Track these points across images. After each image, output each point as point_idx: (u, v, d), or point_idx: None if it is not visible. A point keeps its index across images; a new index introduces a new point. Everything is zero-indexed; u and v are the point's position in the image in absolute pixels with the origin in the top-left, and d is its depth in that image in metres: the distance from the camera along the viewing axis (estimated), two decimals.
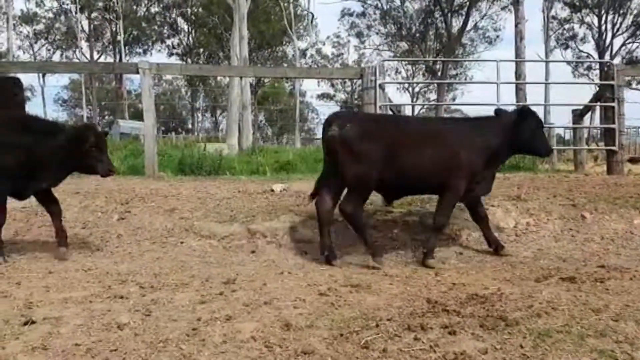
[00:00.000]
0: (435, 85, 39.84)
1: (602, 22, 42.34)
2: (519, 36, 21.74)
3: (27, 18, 45.92)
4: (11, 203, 6.07)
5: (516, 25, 22.03)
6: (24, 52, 46.79)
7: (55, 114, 56.54)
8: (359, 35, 44.75)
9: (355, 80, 38.23)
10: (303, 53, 41.77)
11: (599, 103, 10.22)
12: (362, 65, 44.09)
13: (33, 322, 3.42)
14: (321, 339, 3.25)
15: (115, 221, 5.79)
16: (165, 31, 47.73)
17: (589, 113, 17.13)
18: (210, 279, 4.32)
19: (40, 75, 42.63)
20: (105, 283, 4.17)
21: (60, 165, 4.82)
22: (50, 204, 5.06)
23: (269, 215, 5.81)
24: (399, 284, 4.26)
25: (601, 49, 42.05)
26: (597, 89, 10.92)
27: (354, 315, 3.58)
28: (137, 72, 7.94)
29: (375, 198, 5.72)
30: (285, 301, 3.83)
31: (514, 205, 6.09)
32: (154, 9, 46.63)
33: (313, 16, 39.50)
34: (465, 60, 39.86)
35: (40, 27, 46.90)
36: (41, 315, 3.53)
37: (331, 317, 3.55)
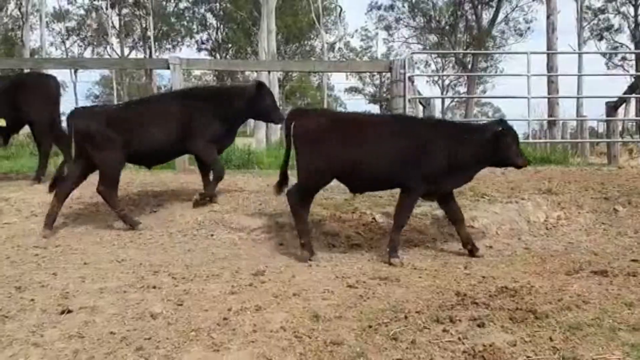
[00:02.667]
0: (465, 77, 39.38)
1: (639, 11, 41.23)
2: (551, 28, 21.31)
3: (59, 15, 46.72)
4: (45, 196, 6.27)
5: (548, 17, 21.60)
6: (56, 49, 47.67)
7: None
8: (387, 28, 44.49)
9: (383, 73, 38.09)
10: (331, 47, 41.67)
11: (634, 95, 9.98)
12: (391, 58, 43.97)
13: (70, 311, 3.53)
14: (350, 330, 3.29)
15: (147, 213, 5.90)
16: (194, 27, 48.08)
17: (624, 105, 16.76)
18: (240, 270, 4.38)
19: (72, 71, 43.39)
20: (139, 273, 4.27)
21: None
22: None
23: None
24: (427, 277, 4.26)
25: (637, 39, 40.96)
26: (633, 80, 10.67)
27: (383, 307, 3.60)
28: (168, 68, 8.05)
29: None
30: (314, 293, 3.88)
31: (545, 198, 6.02)
32: (183, 5, 47.03)
33: (341, 9, 39.41)
34: (495, 53, 39.37)
35: (72, 24, 47.69)
36: (77, 304, 3.63)
37: (360, 309, 3.58)
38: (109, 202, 5.67)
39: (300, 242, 4.86)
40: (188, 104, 5.93)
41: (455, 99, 46.70)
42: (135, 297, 3.79)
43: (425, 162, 4.75)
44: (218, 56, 46.20)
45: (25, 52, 32.67)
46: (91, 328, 3.33)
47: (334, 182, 5.04)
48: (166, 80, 40.05)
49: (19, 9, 42.06)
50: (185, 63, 8.14)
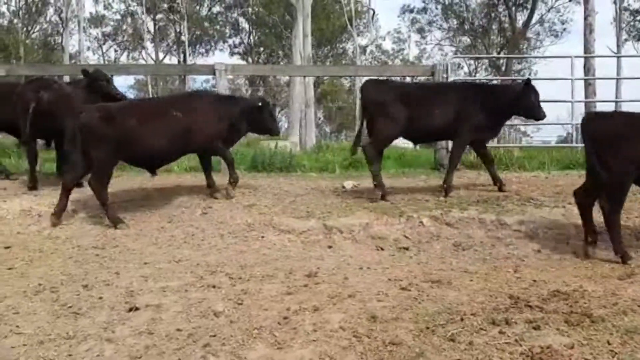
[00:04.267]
0: (500, 80, 38.93)
1: None
2: (588, 29, 20.95)
3: (96, 20, 47.76)
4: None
5: (585, 18, 21.24)
6: (93, 53, 48.69)
7: None
8: (420, 31, 44.27)
9: (418, 77, 37.90)
10: (363, 50, 41.65)
11: None
12: (422, 60, 43.73)
13: (137, 309, 3.70)
14: (407, 331, 3.37)
15: (198, 215, 6.06)
16: (226, 31, 48.62)
17: None
18: (293, 271, 4.50)
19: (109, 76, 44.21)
20: (197, 273, 4.43)
21: None
22: None
23: (344, 211, 5.96)
24: (479, 280, 4.32)
25: None
26: None
27: (438, 309, 3.68)
28: (214, 74, 8.27)
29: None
30: (369, 294, 3.97)
31: None
32: (216, 9, 47.60)
33: (374, 12, 39.39)
34: (538, 57, 38.59)
35: (108, 29, 48.69)
36: (143, 302, 3.80)
37: (415, 311, 3.66)
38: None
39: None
40: (467, 95, 6.70)
41: None
42: (197, 296, 3.94)
43: None
44: (250, 59, 46.57)
45: (65, 57, 33.52)
46: (158, 325, 3.49)
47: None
48: (199, 83, 40.55)
49: (59, 15, 43.20)
50: (230, 69, 8.36)
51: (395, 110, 6.51)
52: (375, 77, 7.93)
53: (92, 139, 5.87)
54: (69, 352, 3.15)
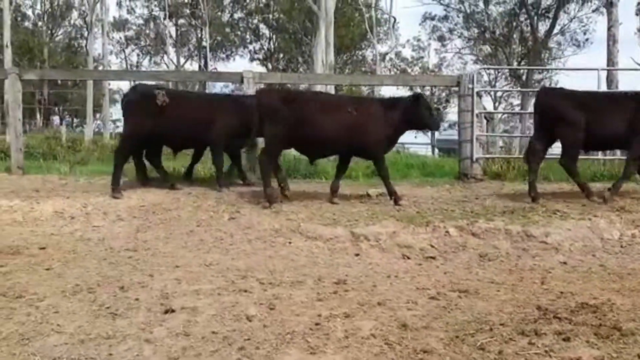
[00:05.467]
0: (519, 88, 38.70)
1: None
2: (611, 40, 20.85)
3: (119, 25, 48.41)
4: (129, 201, 6.64)
5: (609, 29, 21.15)
6: (116, 57, 49.36)
7: None
8: (440, 38, 44.25)
9: (435, 86, 37.79)
10: (383, 57, 41.67)
11: None
12: (442, 68, 43.68)
13: (173, 311, 3.80)
14: (438, 340, 3.42)
15: (226, 220, 6.17)
16: (247, 37, 48.98)
17: None
18: (322, 278, 4.58)
19: (132, 81, 44.74)
20: (228, 277, 4.52)
21: None
22: None
23: (371, 219, 6.02)
24: (506, 290, 4.36)
25: None
26: None
27: (467, 319, 3.73)
28: (242, 82, 8.41)
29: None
30: (398, 302, 4.04)
31: (618, 216, 6.00)
32: (237, 15, 48.00)
33: (395, 20, 39.44)
34: (565, 69, 38.05)
35: (131, 33, 49.35)
36: (178, 305, 3.90)
37: (445, 320, 3.71)
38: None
39: None
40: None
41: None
42: (230, 299, 4.03)
43: None
44: (270, 65, 46.84)
45: (89, 61, 34.05)
46: (194, 327, 3.58)
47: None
48: (218, 89, 40.86)
49: (84, 19, 43.88)
50: (258, 77, 8.49)
51: (576, 117, 6.78)
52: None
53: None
54: (109, 352, 3.24)
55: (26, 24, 46.61)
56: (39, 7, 47.06)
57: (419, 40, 47.53)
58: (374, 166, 7.29)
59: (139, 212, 6.48)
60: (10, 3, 27.09)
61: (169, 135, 7.38)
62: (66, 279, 4.45)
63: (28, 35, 43.64)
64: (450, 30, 43.16)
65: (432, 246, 5.53)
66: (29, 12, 47.22)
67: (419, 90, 9.37)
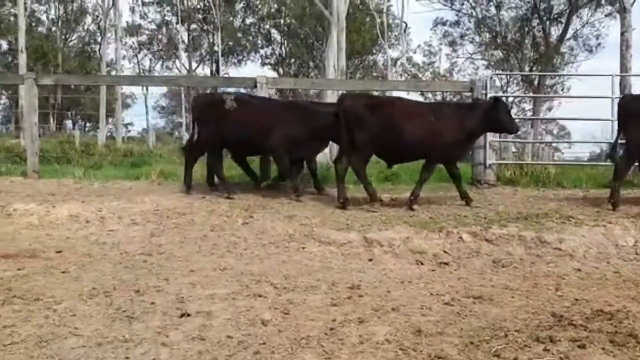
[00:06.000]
0: (531, 95, 38.52)
1: None
2: (624, 45, 20.71)
3: (132, 30, 48.80)
4: (144, 205, 6.69)
5: (622, 34, 21.03)
6: (129, 62, 49.77)
7: (154, 120, 59.97)
8: (452, 44, 44.21)
9: (445, 92, 37.76)
10: (394, 62, 41.68)
11: None
12: (453, 73, 43.59)
13: (188, 315, 3.83)
14: (452, 346, 3.42)
15: (240, 225, 6.20)
16: (259, 42, 49.19)
17: None
18: (336, 283, 4.59)
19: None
20: (243, 282, 4.55)
21: None
22: None
23: (384, 224, 6.04)
24: (520, 297, 4.35)
25: None
26: None
27: (482, 325, 3.72)
28: (255, 86, 8.47)
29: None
30: (412, 308, 4.04)
31: (633, 222, 5.97)
32: (249, 20, 48.23)
33: (406, 25, 39.44)
34: (578, 75, 37.79)
35: (143, 38, 49.72)
36: (194, 309, 3.93)
37: (459, 326, 3.71)
38: None
39: None
40: None
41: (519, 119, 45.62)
42: (244, 304, 4.05)
43: None
44: (281, 70, 46.98)
45: (102, 65, 34.40)
46: (209, 331, 3.60)
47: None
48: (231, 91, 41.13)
49: (97, 25, 44.30)
50: (271, 82, 8.55)
51: None
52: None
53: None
54: (126, 355, 3.27)
55: (40, 29, 47.17)
56: (53, 12, 47.66)
57: (430, 45, 47.62)
58: (425, 165, 7.29)
59: (153, 217, 6.53)
60: (25, 8, 27.44)
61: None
62: (82, 283, 4.49)
63: (42, 40, 44.18)
64: (462, 36, 43.13)
65: (446, 252, 5.52)
66: (44, 17, 47.83)
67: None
